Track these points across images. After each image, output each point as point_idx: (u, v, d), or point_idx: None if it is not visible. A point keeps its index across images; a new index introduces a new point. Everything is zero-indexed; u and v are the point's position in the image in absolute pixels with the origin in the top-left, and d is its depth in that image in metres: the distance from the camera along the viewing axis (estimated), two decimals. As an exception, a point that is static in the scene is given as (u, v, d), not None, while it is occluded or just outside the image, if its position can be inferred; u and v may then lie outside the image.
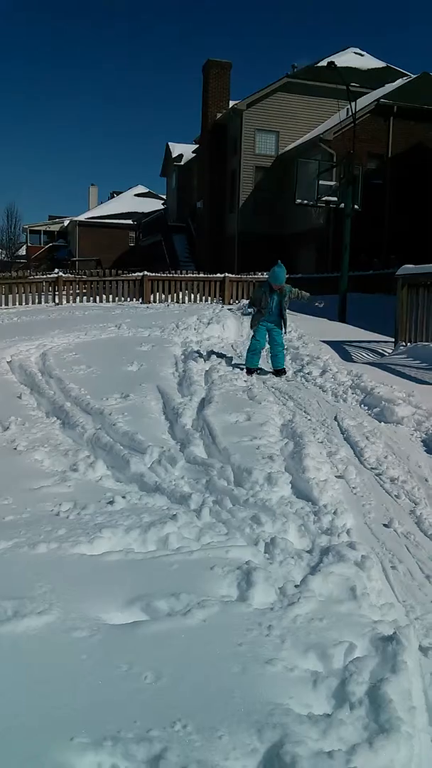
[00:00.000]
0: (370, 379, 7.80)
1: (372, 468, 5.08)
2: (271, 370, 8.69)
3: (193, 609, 2.87)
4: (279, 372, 8.50)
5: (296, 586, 3.15)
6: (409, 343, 10.04)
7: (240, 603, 3.01)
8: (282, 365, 8.62)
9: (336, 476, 4.87)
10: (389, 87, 27.52)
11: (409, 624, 2.92)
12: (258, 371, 8.59)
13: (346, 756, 2.05)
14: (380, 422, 6.29)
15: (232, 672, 2.47)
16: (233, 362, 9.29)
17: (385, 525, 4.07)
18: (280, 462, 5.01)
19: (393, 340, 10.55)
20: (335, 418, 6.40)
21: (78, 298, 19.40)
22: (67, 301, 19.16)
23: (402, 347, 10.05)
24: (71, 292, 19.41)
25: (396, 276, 10.50)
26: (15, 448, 5.61)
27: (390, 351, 10.27)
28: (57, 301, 19.04)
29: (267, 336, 8.72)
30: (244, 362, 8.93)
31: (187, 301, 19.87)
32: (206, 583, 3.17)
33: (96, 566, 3.36)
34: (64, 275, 19.92)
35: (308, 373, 8.33)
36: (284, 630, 2.75)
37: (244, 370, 8.53)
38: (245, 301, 18.33)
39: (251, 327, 8.83)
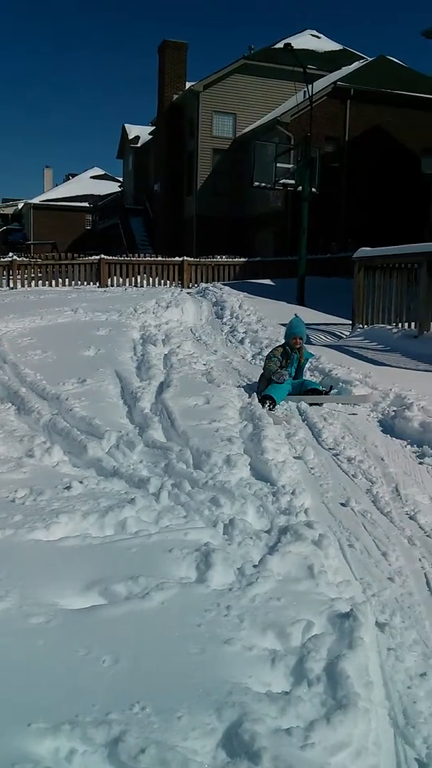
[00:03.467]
0: (327, 361, 7.87)
1: (329, 448, 5.13)
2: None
3: (151, 592, 2.86)
4: (314, 391, 6.66)
5: (255, 566, 3.16)
6: (366, 326, 10.15)
7: (199, 584, 3.01)
8: (316, 385, 6.82)
9: (294, 457, 4.91)
10: (346, 70, 27.53)
11: (366, 601, 2.95)
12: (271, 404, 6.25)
13: (305, 732, 2.08)
14: (337, 403, 6.35)
15: (191, 653, 2.47)
16: (192, 345, 9.26)
17: (342, 504, 4.11)
18: (239, 444, 5.02)
19: (350, 322, 10.65)
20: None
21: (33, 283, 19.08)
22: (22, 286, 18.82)
23: (359, 329, 10.16)
24: (26, 276, 19.07)
25: (353, 259, 10.59)
26: (-31, 435, 5.50)
27: (347, 333, 10.38)
28: (11, 285, 18.69)
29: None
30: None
31: (145, 285, 19.72)
32: (165, 565, 3.16)
33: (53, 552, 3.32)
34: (18, 259, 19.56)
35: (267, 356, 8.34)
36: (243, 610, 2.76)
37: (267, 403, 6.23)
38: (204, 285, 18.30)
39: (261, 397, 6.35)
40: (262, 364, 7.09)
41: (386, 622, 2.82)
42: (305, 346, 7.08)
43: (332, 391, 6.61)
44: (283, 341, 7.23)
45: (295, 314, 7.55)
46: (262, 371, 6.83)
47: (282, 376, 6.51)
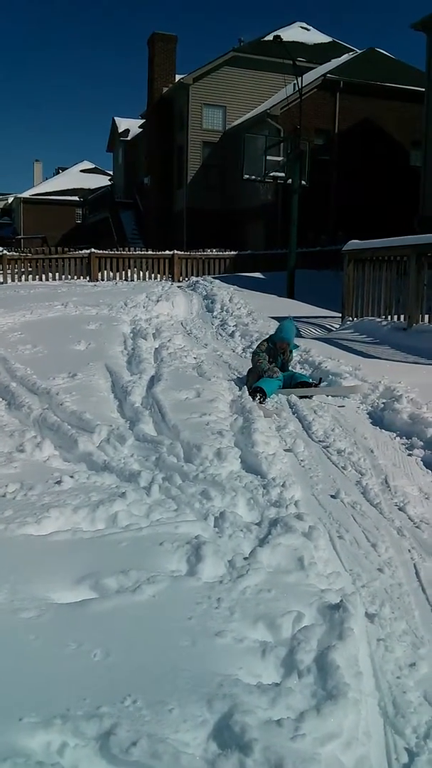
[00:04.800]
0: (317, 353, 7.88)
1: (319, 441, 5.15)
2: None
3: (142, 585, 2.86)
4: (304, 384, 6.63)
5: (245, 559, 3.17)
6: (355, 318, 10.17)
7: (189, 577, 3.02)
8: (306, 378, 6.83)
9: (284, 450, 4.92)
10: (335, 62, 27.49)
11: (356, 591, 2.97)
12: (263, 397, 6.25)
13: (295, 723, 2.08)
14: (327, 396, 6.36)
15: (182, 645, 2.47)
16: (182, 338, 9.26)
17: (332, 496, 4.13)
18: (229, 437, 5.03)
19: (340, 315, 10.67)
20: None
21: (23, 277, 19.01)
22: (12, 280, 18.75)
23: (349, 322, 10.18)
24: (16, 270, 18.99)
25: (342, 252, 10.59)
26: (-41, 430, 5.48)
27: (337, 326, 10.40)
28: (1, 279, 18.60)
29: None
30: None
31: (135, 279, 19.68)
32: (156, 558, 3.17)
33: (44, 546, 3.32)
34: (8, 253, 19.46)
35: (257, 349, 8.34)
36: (233, 602, 2.77)
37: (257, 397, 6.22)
38: (194, 278, 18.27)
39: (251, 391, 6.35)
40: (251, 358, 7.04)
41: (376, 612, 2.84)
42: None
43: (322, 384, 6.63)
44: (270, 334, 7.26)
45: (290, 317, 7.51)
46: (251, 366, 6.84)
47: (275, 373, 6.53)
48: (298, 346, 7.39)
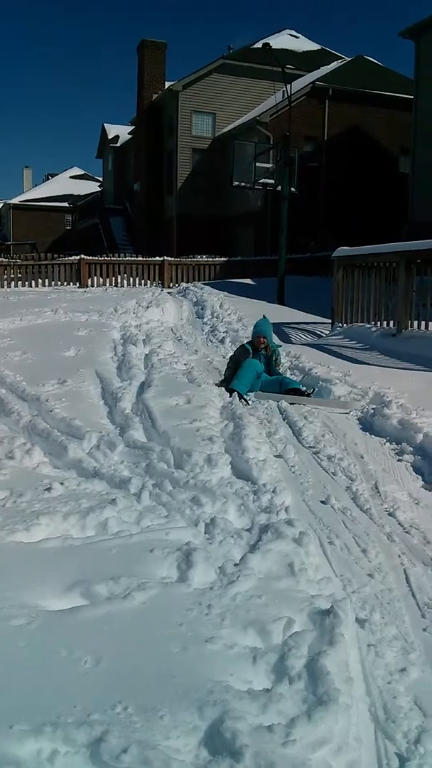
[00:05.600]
0: (307, 359, 7.91)
1: (310, 447, 5.16)
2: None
3: (132, 592, 2.85)
4: (295, 391, 6.65)
5: (236, 565, 3.17)
6: (345, 324, 10.21)
7: (180, 584, 3.02)
8: (297, 384, 6.87)
9: (275, 456, 4.92)
10: (324, 69, 27.66)
11: (346, 597, 2.97)
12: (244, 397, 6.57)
13: (286, 729, 2.08)
14: (319, 407, 6.37)
15: (173, 652, 2.47)
16: (173, 345, 9.26)
17: (322, 502, 4.14)
18: (219, 443, 5.03)
19: (330, 321, 10.71)
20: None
21: (12, 283, 18.95)
22: (1, 286, 18.70)
23: (339, 328, 10.22)
24: (5, 276, 18.94)
25: (332, 258, 10.64)
26: None
27: (327, 332, 10.44)
28: (-9, 285, 18.55)
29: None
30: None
31: (125, 285, 19.68)
32: (146, 565, 3.16)
33: (33, 553, 3.31)
34: (-3, 259, 19.41)
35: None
36: (224, 608, 2.77)
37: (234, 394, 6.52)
38: (185, 284, 18.29)
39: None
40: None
41: (366, 618, 2.85)
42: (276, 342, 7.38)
43: (314, 394, 6.62)
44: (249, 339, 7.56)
45: (264, 315, 7.70)
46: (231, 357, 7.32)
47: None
48: (280, 345, 7.64)
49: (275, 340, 8.03)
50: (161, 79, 30.14)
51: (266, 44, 18.87)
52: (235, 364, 7.06)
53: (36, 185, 54.10)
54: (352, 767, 2.06)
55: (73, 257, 20.01)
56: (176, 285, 19.39)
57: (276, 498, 4.04)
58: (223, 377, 7.22)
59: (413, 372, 7.35)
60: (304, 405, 6.24)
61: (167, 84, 29.54)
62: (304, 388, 6.72)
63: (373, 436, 5.46)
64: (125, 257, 21.48)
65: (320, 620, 2.69)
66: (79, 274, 19.43)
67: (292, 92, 17.95)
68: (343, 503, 4.11)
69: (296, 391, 6.62)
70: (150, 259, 20.74)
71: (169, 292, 16.81)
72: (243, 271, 20.82)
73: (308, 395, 6.57)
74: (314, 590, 3.00)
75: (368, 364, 7.93)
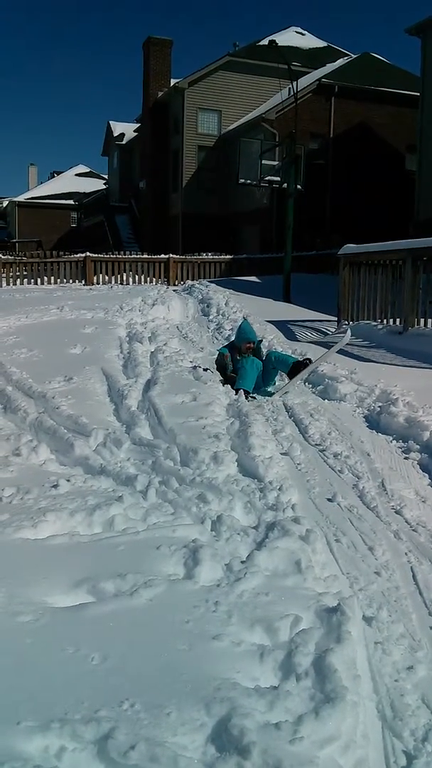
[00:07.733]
0: (313, 357, 7.88)
1: (316, 444, 5.15)
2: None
3: (139, 589, 2.86)
4: (296, 367, 6.88)
5: (242, 562, 3.17)
6: (351, 322, 10.18)
7: (187, 581, 3.02)
8: (290, 359, 7.12)
9: (281, 453, 4.92)
10: (330, 67, 27.61)
11: (353, 595, 2.97)
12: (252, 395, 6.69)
13: (294, 726, 2.08)
14: (324, 399, 6.37)
15: (180, 649, 2.47)
16: (178, 342, 9.25)
17: (329, 499, 4.13)
18: (226, 441, 5.02)
19: (336, 318, 10.68)
20: (279, 396, 6.45)
21: (18, 281, 18.99)
22: (7, 284, 18.73)
23: (345, 325, 10.19)
24: (11, 274, 18.97)
25: (338, 255, 10.61)
26: None
27: (333, 330, 10.41)
28: (-3, 283, 18.58)
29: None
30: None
31: (131, 283, 19.69)
32: (153, 562, 3.16)
33: (40, 550, 3.31)
34: (3, 257, 19.45)
35: (253, 353, 8.34)
36: (231, 606, 2.77)
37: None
38: (190, 282, 18.29)
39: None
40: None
41: (373, 615, 2.84)
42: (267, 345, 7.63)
43: (320, 392, 6.62)
44: (231, 341, 7.75)
45: (244, 317, 7.89)
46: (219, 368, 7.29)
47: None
48: (261, 340, 7.90)
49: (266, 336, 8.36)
50: (167, 76, 30.11)
51: (272, 41, 18.83)
52: (222, 370, 7.19)
53: (41, 183, 54.11)
54: (359, 765, 2.05)
55: (78, 255, 20.02)
56: (182, 282, 19.38)
57: (282, 495, 4.04)
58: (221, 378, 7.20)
59: (420, 370, 7.33)
60: (309, 402, 6.23)
61: (173, 81, 29.53)
62: (300, 358, 6.94)
63: (379, 433, 5.44)
64: (131, 255, 21.48)
65: (327, 618, 2.68)
66: (85, 271, 19.44)
67: (298, 89, 17.90)
68: (349, 501, 4.10)
69: (297, 367, 6.84)
70: (155, 256, 20.74)
71: (174, 290, 16.80)
72: (249, 268, 20.81)
73: (308, 362, 6.82)
74: (321, 588, 3.00)
75: (374, 361, 7.91)
